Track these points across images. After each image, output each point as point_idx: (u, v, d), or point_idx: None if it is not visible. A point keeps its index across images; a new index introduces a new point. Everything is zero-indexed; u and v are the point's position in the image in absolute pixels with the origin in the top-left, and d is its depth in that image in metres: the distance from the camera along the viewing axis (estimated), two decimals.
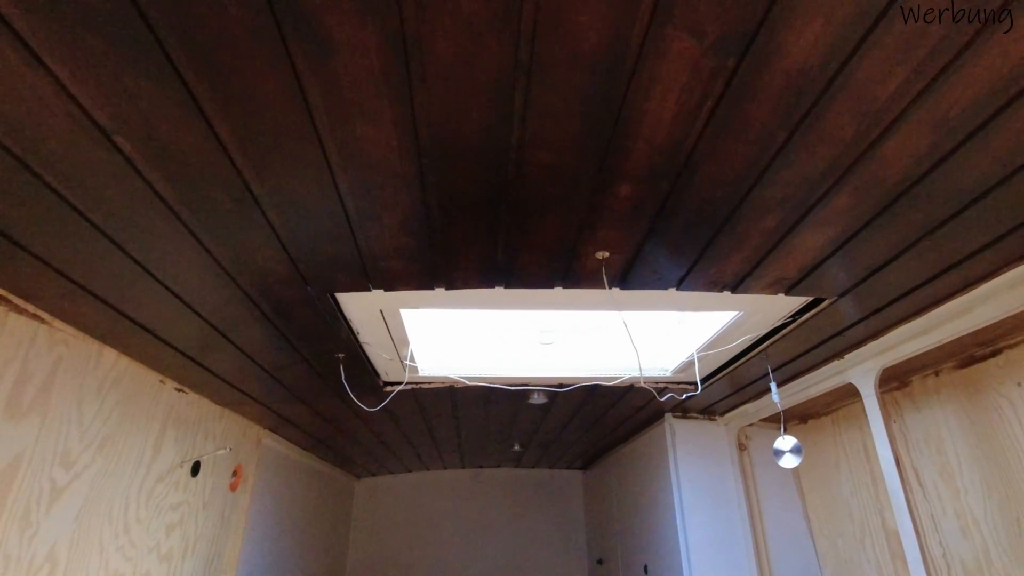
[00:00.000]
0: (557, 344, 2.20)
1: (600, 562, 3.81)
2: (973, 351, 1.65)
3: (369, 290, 1.32)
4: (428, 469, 4.37)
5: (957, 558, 1.69)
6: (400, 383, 2.13)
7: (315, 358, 1.74)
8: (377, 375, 1.97)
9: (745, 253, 1.21)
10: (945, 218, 1.08)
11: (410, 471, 4.37)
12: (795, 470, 2.50)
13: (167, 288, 1.24)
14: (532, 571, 4.26)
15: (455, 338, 2.14)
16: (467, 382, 2.14)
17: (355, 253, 1.15)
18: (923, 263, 1.24)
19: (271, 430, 2.53)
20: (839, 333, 1.62)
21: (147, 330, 1.43)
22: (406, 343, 1.73)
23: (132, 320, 1.36)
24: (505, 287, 1.34)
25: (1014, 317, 1.40)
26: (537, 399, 2.36)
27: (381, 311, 1.50)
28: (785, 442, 1.70)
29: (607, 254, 1.21)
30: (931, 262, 1.23)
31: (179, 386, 1.79)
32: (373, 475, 4.33)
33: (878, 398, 1.66)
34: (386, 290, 1.33)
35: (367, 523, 4.25)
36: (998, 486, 1.58)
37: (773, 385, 1.80)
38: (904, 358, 1.58)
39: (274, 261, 1.18)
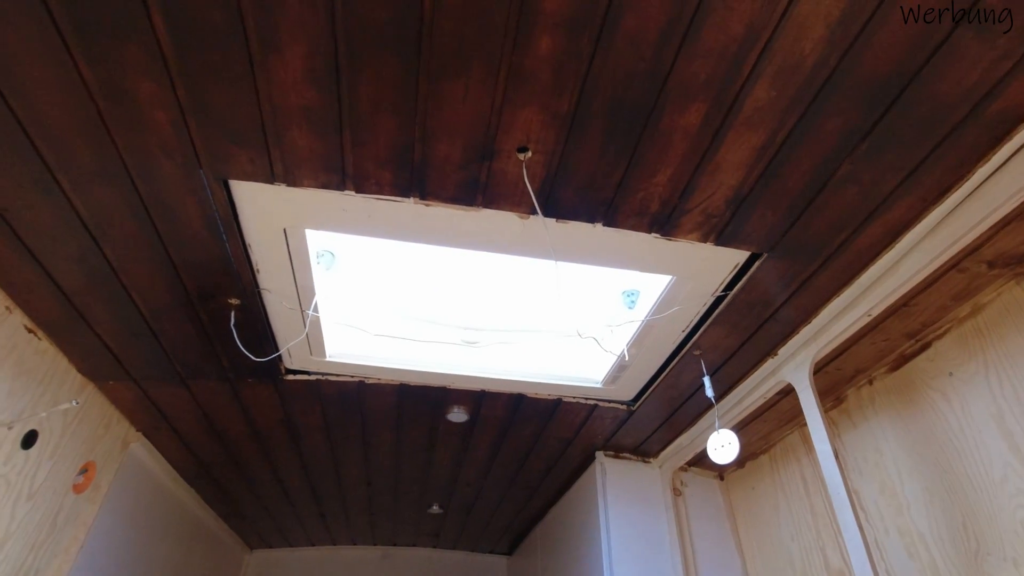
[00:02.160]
0: (481, 347, 2.05)
1: None
2: (904, 348, 1.60)
3: (271, 181, 1.20)
4: (334, 544, 3.82)
5: None
6: (304, 372, 1.89)
7: (204, 302, 1.53)
8: (276, 345, 1.75)
9: (672, 168, 1.17)
10: (863, 131, 1.08)
11: (313, 544, 3.80)
12: (732, 518, 2.29)
13: (38, 155, 1.08)
14: None
15: (369, 319, 1.96)
16: (379, 376, 1.93)
17: (254, 104, 1.04)
18: (846, 202, 1.22)
19: (144, 433, 2.16)
20: (772, 315, 1.56)
21: (6, 222, 1.24)
22: (311, 293, 1.56)
23: None
24: (420, 197, 1.24)
25: (939, 290, 1.38)
26: (457, 415, 2.14)
27: (284, 231, 1.35)
28: (720, 437, 1.54)
29: (529, 154, 1.14)
30: (854, 202, 1.22)
31: (30, 324, 1.52)
32: (269, 546, 3.74)
33: (813, 391, 1.56)
34: (289, 184, 1.20)
35: None
36: (939, 491, 1.45)
37: (707, 379, 1.68)
38: (836, 342, 1.52)
39: (167, 125, 1.06)
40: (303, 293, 1.55)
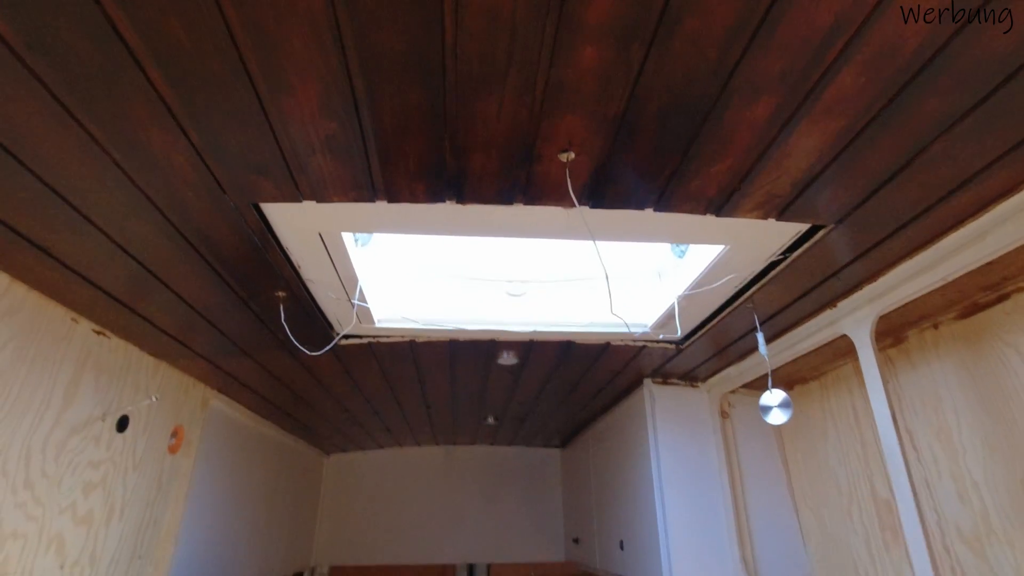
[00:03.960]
0: (527, 297, 2.03)
1: (576, 541, 3.67)
2: (977, 297, 1.50)
3: (299, 200, 1.14)
4: (400, 446, 4.20)
5: (953, 525, 1.56)
6: (357, 336, 1.95)
7: (254, 299, 1.55)
8: (328, 323, 1.79)
9: (732, 159, 1.04)
10: (965, 110, 0.92)
11: (382, 447, 4.19)
12: (780, 440, 2.36)
13: (66, 201, 1.05)
14: (507, 551, 4.11)
15: (413, 284, 1.96)
16: (429, 336, 1.97)
17: (272, 141, 0.96)
18: (934, 177, 1.08)
19: (220, 391, 2.33)
20: (834, 274, 1.47)
21: (50, 255, 1.24)
22: (355, 280, 1.55)
23: (26, 239, 1.17)
24: (457, 202, 1.16)
25: (1021, 250, 1.25)
26: (507, 359, 2.19)
27: (320, 235, 1.31)
28: (773, 396, 1.54)
29: (572, 155, 1.03)
30: (943, 177, 1.08)
31: (98, 328, 1.59)
32: (343, 451, 4.14)
33: (874, 349, 1.51)
34: (318, 201, 1.14)
35: (337, 501, 4.07)
36: (1001, 445, 1.44)
37: (760, 336, 1.64)
38: (903, 302, 1.43)
39: (187, 167, 1.00)
40: (346, 281, 1.54)
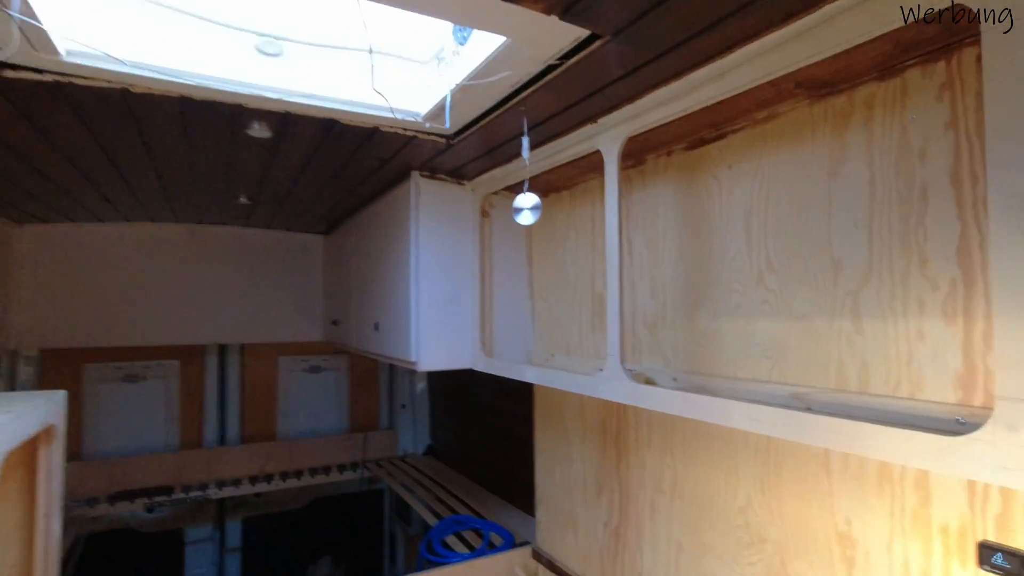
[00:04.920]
0: (284, 59, 1.71)
1: (335, 323, 3.80)
2: (703, 133, 1.71)
3: None
4: (129, 221, 3.60)
5: (642, 314, 1.96)
6: (32, 69, 1.44)
7: None
8: None
9: None
10: None
11: (103, 221, 3.55)
12: (529, 241, 2.61)
13: None
14: (263, 332, 4.09)
15: (126, 13, 1.49)
16: (149, 86, 1.56)
17: None
18: (699, 8, 1.10)
19: None
20: (601, 89, 1.51)
21: None
22: None
23: None
24: None
25: (750, 95, 1.42)
26: (259, 131, 1.90)
27: None
28: (526, 199, 1.63)
29: None
30: (705, 11, 1.11)
31: None
32: (43, 221, 3.40)
33: (619, 167, 1.66)
34: None
35: (43, 278, 3.44)
36: (687, 255, 1.78)
37: (525, 140, 1.67)
38: (650, 127, 1.56)
39: None
40: None
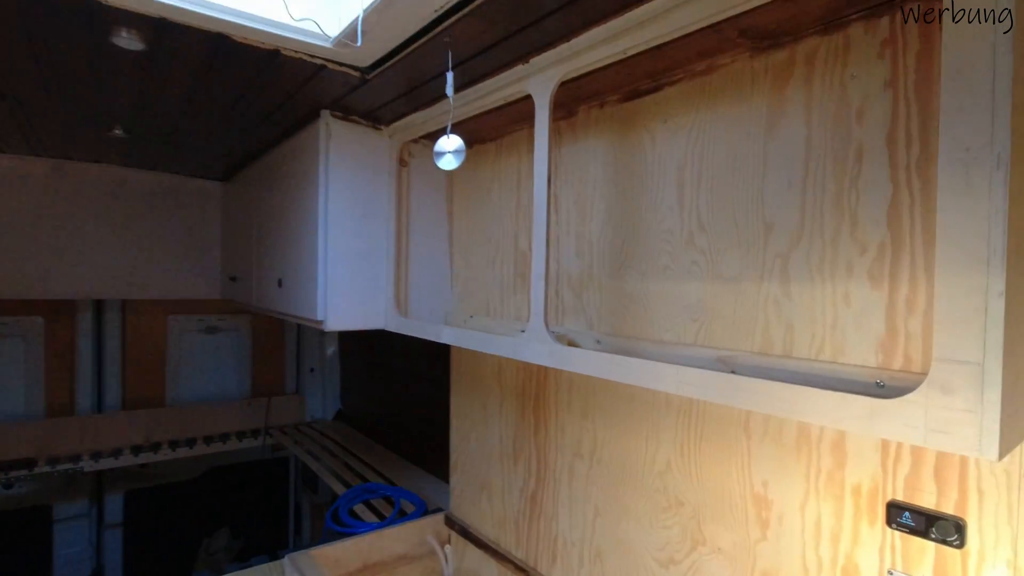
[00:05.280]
0: None
1: (234, 279, 3.45)
2: (640, 84, 1.62)
3: None
4: None
5: (566, 274, 1.87)
6: None
7: None
8: None
9: None
10: None
11: None
12: (450, 194, 2.45)
13: None
14: (149, 288, 3.65)
15: None
16: None
17: None
18: None
19: None
20: (534, 23, 1.36)
21: None
22: None
23: None
24: None
25: (692, 43, 1.33)
26: (127, 40, 1.58)
27: None
28: (449, 142, 1.47)
29: None
30: None
31: None
32: None
33: (550, 115, 1.53)
34: None
35: None
36: (617, 213, 1.70)
37: (450, 76, 1.50)
38: (585, 69, 1.44)
39: None
40: None
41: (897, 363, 1.10)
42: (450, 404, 2.54)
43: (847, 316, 1.18)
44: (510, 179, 2.16)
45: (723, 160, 1.42)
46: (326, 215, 2.14)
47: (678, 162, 1.53)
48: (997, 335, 0.75)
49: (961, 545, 1.01)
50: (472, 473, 2.40)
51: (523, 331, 1.61)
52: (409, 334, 2.15)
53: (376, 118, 2.23)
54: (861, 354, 1.15)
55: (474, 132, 2.20)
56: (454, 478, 2.54)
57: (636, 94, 1.66)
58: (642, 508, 1.63)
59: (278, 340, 4.64)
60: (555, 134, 1.93)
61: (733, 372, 1.35)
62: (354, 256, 2.23)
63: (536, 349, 1.54)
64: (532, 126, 1.60)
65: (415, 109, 2.07)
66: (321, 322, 2.18)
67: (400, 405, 3.77)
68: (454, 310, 2.49)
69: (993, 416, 0.75)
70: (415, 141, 2.30)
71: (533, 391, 2.05)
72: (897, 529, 1.09)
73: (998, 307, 0.75)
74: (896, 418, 0.85)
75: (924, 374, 1.07)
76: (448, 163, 1.48)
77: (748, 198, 1.36)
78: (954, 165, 0.80)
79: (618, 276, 1.70)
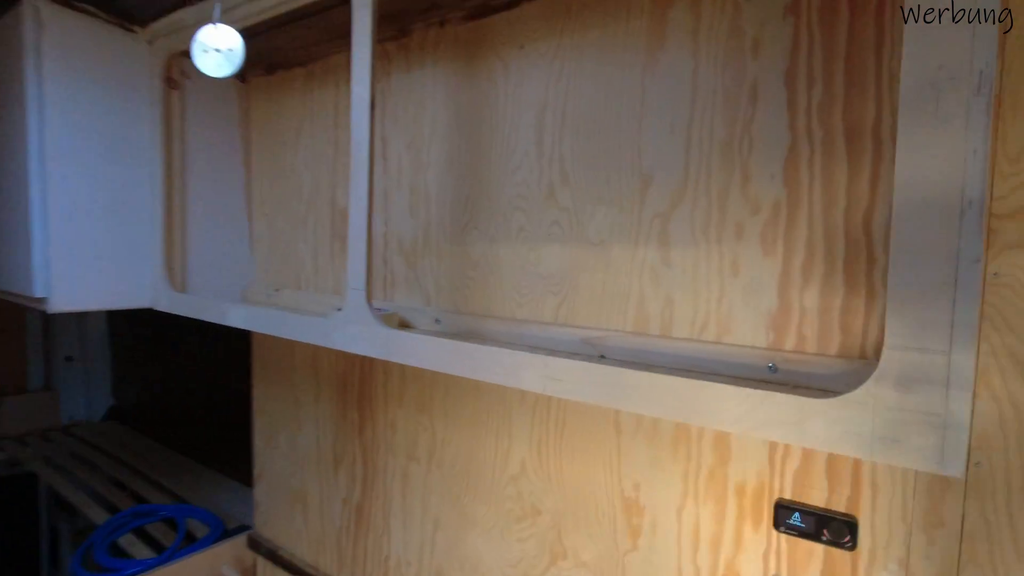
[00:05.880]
0: None
1: None
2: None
3: None
4: None
5: (396, 236, 1.50)
6: None
7: None
8: None
9: None
10: None
11: None
12: (246, 133, 1.90)
13: None
14: None
15: None
16: None
17: None
18: None
19: None
20: None
21: None
22: None
23: None
24: None
25: None
26: None
27: None
28: (217, 34, 0.99)
29: None
30: None
31: None
32: None
33: (372, 18, 1.13)
34: None
35: None
36: (461, 162, 1.37)
37: None
38: None
39: None
40: None
41: (790, 343, 0.94)
42: (252, 399, 2.03)
43: (735, 287, 0.99)
44: (326, 117, 1.70)
45: (592, 96, 1.16)
46: (40, 147, 1.47)
47: (538, 99, 1.23)
48: (971, 315, 0.57)
49: (854, 547, 0.89)
50: (282, 483, 1.95)
51: (340, 309, 1.21)
52: (184, 315, 1.61)
53: (127, 13, 1.59)
54: (750, 333, 0.98)
55: (276, 51, 1.69)
56: (259, 489, 2.05)
57: (486, 10, 1.32)
58: (492, 519, 1.36)
59: (14, 323, 3.54)
60: (383, 59, 1.52)
61: (602, 357, 1.11)
62: (97, 210, 1.59)
63: (354, 333, 1.16)
64: (348, 49, 1.20)
65: (185, 2, 1.49)
66: (42, 300, 1.53)
67: (194, 398, 3.08)
68: (256, 281, 1.97)
69: (961, 421, 0.57)
70: (188, 55, 1.71)
71: (356, 381, 1.66)
72: (786, 532, 0.95)
73: (973, 277, 0.57)
74: (835, 424, 0.65)
75: (820, 355, 0.92)
76: (213, 66, 1.00)
77: (622, 144, 1.12)
78: (921, 88, 0.60)
79: (461, 240, 1.37)
